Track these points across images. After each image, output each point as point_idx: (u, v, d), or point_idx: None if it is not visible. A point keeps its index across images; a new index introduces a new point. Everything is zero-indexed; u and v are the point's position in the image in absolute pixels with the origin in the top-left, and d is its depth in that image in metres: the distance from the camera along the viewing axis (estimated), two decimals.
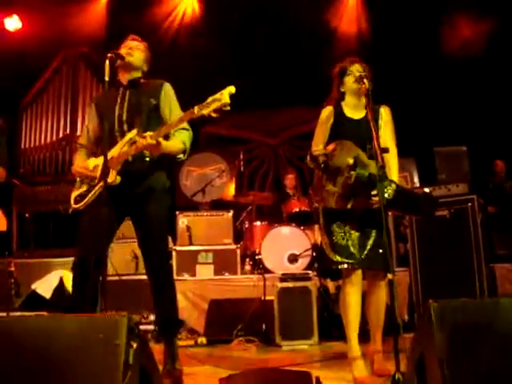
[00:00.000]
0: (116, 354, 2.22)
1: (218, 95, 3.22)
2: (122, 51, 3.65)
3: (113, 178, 3.49)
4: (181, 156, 3.70)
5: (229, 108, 3.20)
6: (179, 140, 3.64)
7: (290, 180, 7.67)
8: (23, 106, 8.69)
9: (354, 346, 3.54)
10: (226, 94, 3.20)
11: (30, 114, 8.76)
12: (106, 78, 3.32)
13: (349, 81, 3.71)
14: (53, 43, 8.73)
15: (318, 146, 3.64)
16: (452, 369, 1.84)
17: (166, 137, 3.56)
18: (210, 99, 3.24)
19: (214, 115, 3.24)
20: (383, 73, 4.59)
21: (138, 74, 3.80)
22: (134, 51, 3.71)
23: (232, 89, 3.20)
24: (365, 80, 3.54)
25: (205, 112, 3.24)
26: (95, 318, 2.53)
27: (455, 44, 7.93)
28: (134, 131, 3.57)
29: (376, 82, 3.71)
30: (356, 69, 3.69)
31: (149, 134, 3.41)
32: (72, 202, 3.69)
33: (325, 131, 3.73)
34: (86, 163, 3.71)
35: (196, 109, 3.29)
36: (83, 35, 8.95)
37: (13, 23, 8.96)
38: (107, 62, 3.37)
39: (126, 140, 3.57)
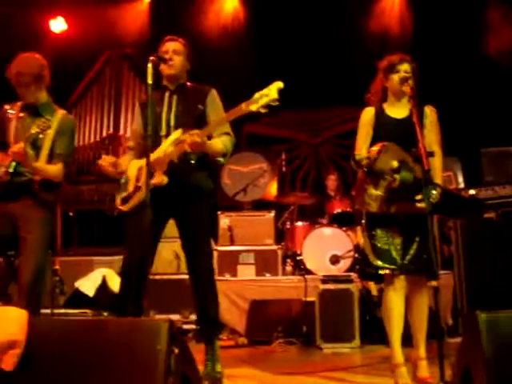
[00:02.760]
0: (157, 359, 2.22)
1: (265, 90, 3.20)
2: (164, 56, 3.66)
3: (160, 179, 3.51)
4: (221, 159, 3.70)
5: (278, 103, 3.17)
6: (221, 143, 3.64)
7: (331, 181, 7.61)
8: (68, 106, 8.80)
9: (397, 352, 3.48)
10: (273, 89, 3.17)
11: (74, 114, 8.84)
12: (149, 82, 3.33)
13: (394, 79, 3.63)
14: (97, 44, 8.84)
15: (361, 149, 3.58)
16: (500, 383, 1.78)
17: (209, 139, 3.57)
18: (257, 95, 3.22)
19: (262, 111, 3.22)
20: (429, 71, 4.50)
21: (183, 79, 3.81)
22: (174, 60, 3.71)
23: (280, 84, 3.17)
24: (410, 82, 3.46)
25: (253, 108, 3.23)
26: (137, 322, 2.54)
27: (504, 44, 7.73)
28: (179, 131, 3.57)
29: (421, 80, 3.65)
30: (404, 68, 3.61)
31: (196, 131, 3.41)
32: (118, 203, 3.73)
33: (367, 133, 3.67)
34: (136, 162, 3.74)
35: (244, 105, 3.28)
36: (126, 36, 9.05)
37: (58, 25, 9.12)
38: (150, 65, 3.38)
39: (171, 140, 3.58)
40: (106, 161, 3.72)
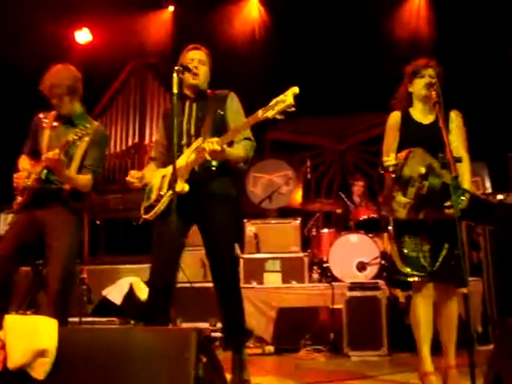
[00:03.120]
0: (185, 367, 2.23)
1: (281, 96, 3.18)
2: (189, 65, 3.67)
3: (181, 186, 3.52)
4: (242, 165, 3.71)
5: (294, 109, 3.15)
6: (242, 148, 3.64)
7: (358, 187, 7.58)
8: (93, 116, 8.91)
9: (426, 360, 3.44)
10: (289, 95, 3.15)
11: (100, 123, 8.97)
12: (175, 91, 3.34)
13: (419, 84, 3.61)
14: (121, 54, 8.95)
15: (389, 154, 3.54)
16: None
17: (230, 144, 3.57)
18: (273, 101, 3.21)
19: (278, 117, 3.21)
20: (455, 74, 4.47)
21: (204, 87, 3.82)
22: (199, 70, 3.73)
23: (296, 89, 3.15)
24: (435, 87, 3.43)
25: (269, 114, 3.22)
26: (166, 331, 2.56)
27: None
28: (200, 139, 3.59)
29: (447, 84, 3.61)
30: (428, 73, 3.59)
31: (215, 139, 3.42)
32: (142, 212, 3.75)
33: (394, 138, 3.65)
34: (159, 172, 3.76)
35: (260, 112, 3.27)
36: (151, 45, 9.14)
37: (83, 36, 9.26)
38: (175, 75, 3.40)
39: (192, 148, 3.60)
40: (133, 177, 3.74)
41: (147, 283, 3.77)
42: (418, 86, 3.62)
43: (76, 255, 3.98)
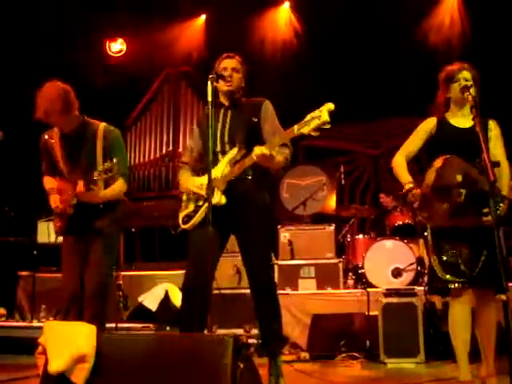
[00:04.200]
0: (223, 374, 2.24)
1: (316, 112, 3.20)
2: (223, 74, 3.70)
3: (218, 198, 3.56)
4: (281, 172, 3.73)
5: (329, 126, 3.17)
6: (282, 155, 3.65)
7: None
8: (128, 124, 9.02)
9: (464, 368, 3.40)
10: (325, 111, 3.16)
11: (134, 132, 9.08)
12: (209, 99, 3.38)
13: (455, 88, 3.59)
14: (155, 63, 9.06)
15: (405, 149, 3.68)
16: None
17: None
18: (308, 117, 3.22)
19: (313, 134, 3.23)
20: (492, 78, 4.41)
21: (238, 94, 3.85)
22: (233, 77, 3.75)
23: (331, 106, 3.16)
24: (471, 90, 3.40)
25: (305, 131, 3.25)
26: (203, 338, 2.57)
27: None
28: (235, 150, 3.62)
29: (483, 88, 3.58)
30: (463, 76, 3.56)
31: (263, 148, 3.44)
32: (180, 222, 3.79)
33: (419, 139, 3.70)
34: (195, 180, 3.79)
35: (296, 128, 3.30)
36: (183, 54, 9.22)
37: (117, 47, 9.41)
38: (209, 83, 3.43)
39: (226, 160, 3.63)
40: (190, 183, 3.79)
41: (182, 289, 3.79)
42: (455, 91, 3.60)
43: (113, 261, 4.03)
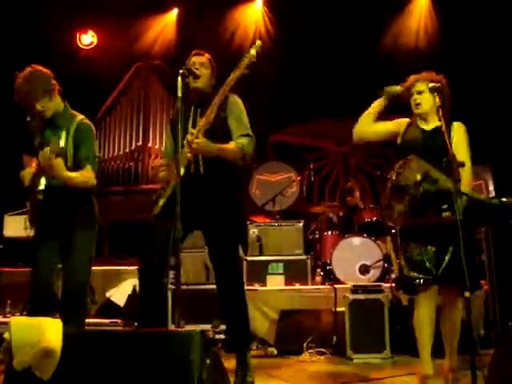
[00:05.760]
0: (190, 369, 2.24)
1: (245, 55, 3.60)
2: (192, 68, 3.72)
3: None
4: (239, 161, 3.72)
5: (255, 60, 3.57)
6: (237, 144, 3.65)
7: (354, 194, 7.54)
8: (98, 118, 8.93)
9: (426, 363, 3.46)
10: (252, 49, 3.60)
11: (103, 126, 9.01)
12: (179, 95, 3.37)
13: (411, 102, 3.69)
14: (125, 57, 8.98)
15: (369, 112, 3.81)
16: None
17: (214, 140, 3.64)
18: (239, 63, 3.60)
19: (246, 72, 3.61)
20: (459, 78, 4.48)
21: (208, 91, 3.85)
22: (201, 72, 3.77)
23: (259, 42, 3.64)
24: (422, 102, 3.55)
25: (237, 74, 3.60)
26: (170, 333, 2.57)
27: None
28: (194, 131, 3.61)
29: (452, 87, 3.64)
30: (416, 90, 3.64)
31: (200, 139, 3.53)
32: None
33: (389, 124, 3.80)
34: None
35: (230, 77, 3.65)
36: (154, 48, 9.17)
37: (88, 39, 9.32)
38: (179, 78, 3.42)
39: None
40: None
41: (139, 278, 3.77)
42: (411, 104, 3.70)
43: (90, 257, 3.98)
